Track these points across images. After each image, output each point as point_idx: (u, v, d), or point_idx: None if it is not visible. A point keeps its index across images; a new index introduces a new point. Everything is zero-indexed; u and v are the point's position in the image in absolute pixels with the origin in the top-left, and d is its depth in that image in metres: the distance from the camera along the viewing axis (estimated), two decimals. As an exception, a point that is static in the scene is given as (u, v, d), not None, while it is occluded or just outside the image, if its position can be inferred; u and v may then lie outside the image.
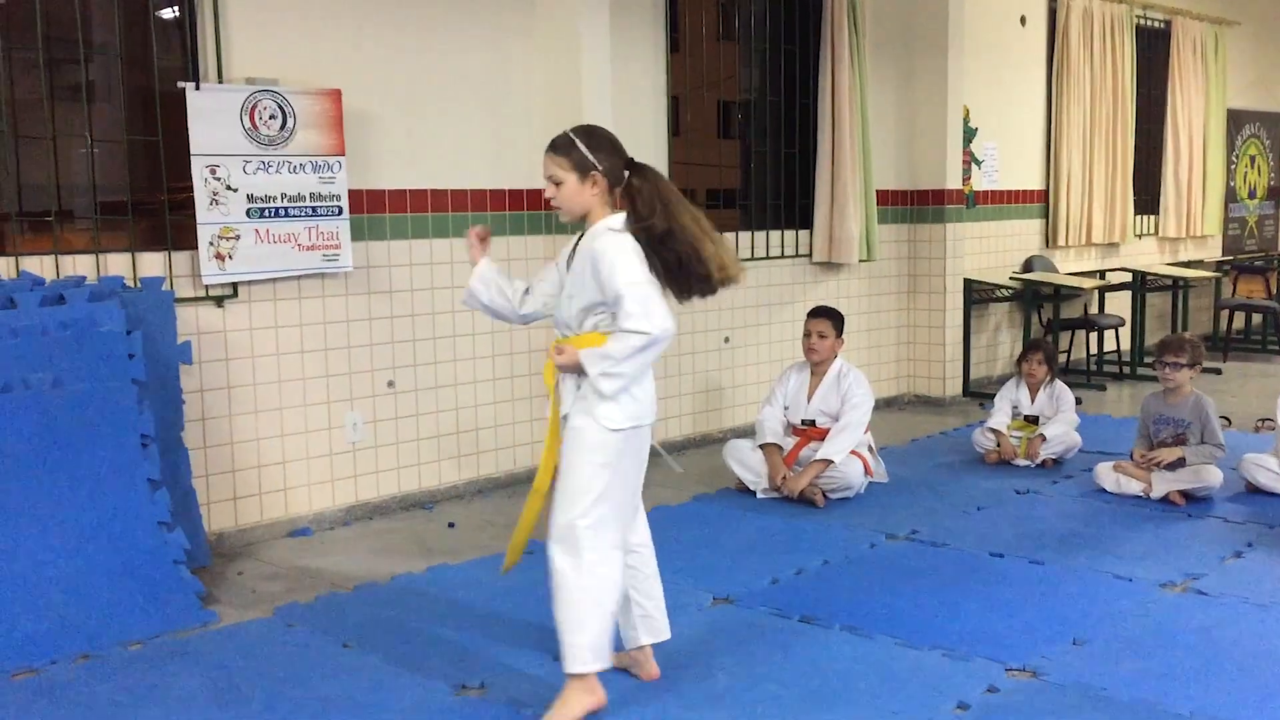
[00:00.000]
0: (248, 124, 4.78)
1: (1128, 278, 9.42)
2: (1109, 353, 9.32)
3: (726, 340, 6.96)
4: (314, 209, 5.01)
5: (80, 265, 4.48)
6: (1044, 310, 8.79)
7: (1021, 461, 6.10)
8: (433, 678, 3.52)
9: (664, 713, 3.28)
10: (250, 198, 4.81)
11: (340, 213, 5.09)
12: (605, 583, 3.19)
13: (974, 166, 8.35)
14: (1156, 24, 10.07)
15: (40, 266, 4.38)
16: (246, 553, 4.84)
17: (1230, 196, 11.29)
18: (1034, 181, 9.05)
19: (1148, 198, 10.25)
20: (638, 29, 6.29)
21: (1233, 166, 11.29)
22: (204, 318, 4.81)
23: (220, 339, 4.86)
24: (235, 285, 4.87)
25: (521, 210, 5.81)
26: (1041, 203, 9.12)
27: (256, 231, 4.84)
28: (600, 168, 3.22)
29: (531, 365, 5.82)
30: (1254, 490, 5.45)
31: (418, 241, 5.47)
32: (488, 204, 5.70)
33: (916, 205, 7.98)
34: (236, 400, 4.92)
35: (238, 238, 4.79)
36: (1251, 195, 11.70)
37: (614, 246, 3.16)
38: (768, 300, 7.17)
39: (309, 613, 4.12)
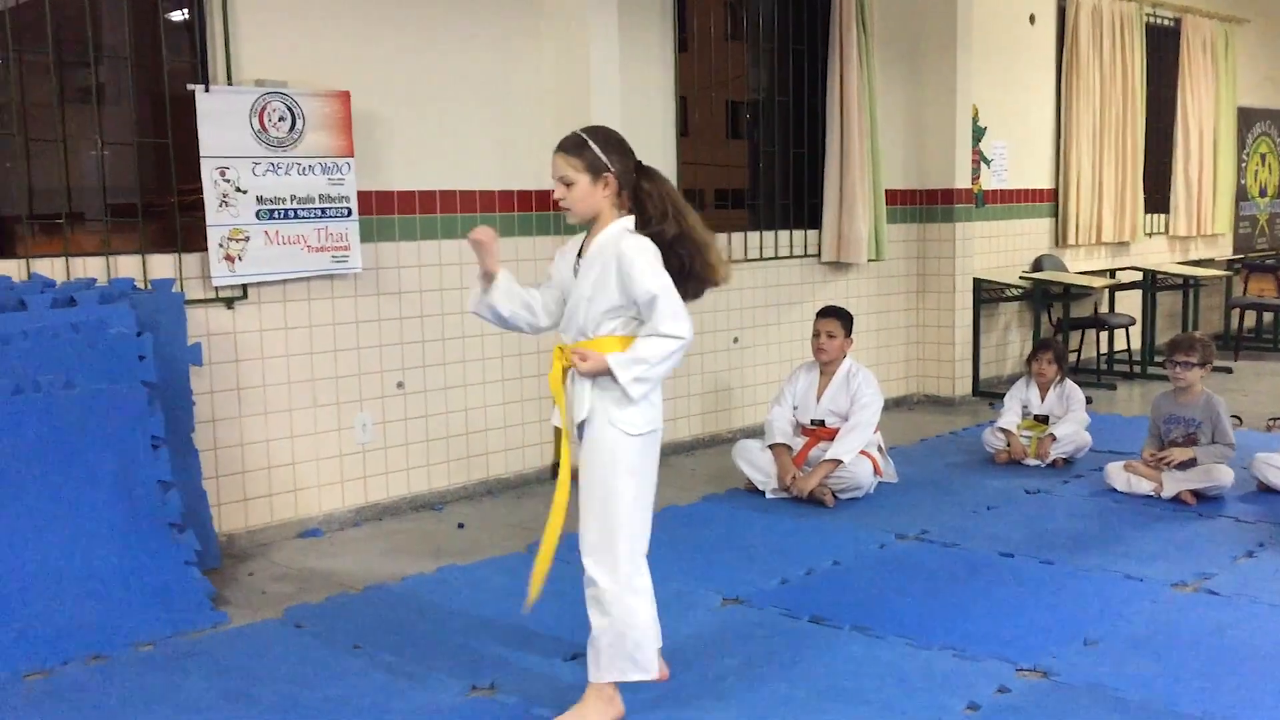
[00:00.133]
0: (257, 126, 4.79)
1: (1138, 277, 9.39)
2: (1119, 352, 9.29)
3: (735, 340, 6.96)
4: (323, 210, 5.02)
5: (91, 267, 4.50)
6: (1054, 309, 8.77)
7: (1032, 461, 6.09)
8: (443, 678, 3.53)
9: (673, 713, 3.28)
10: (260, 199, 4.82)
11: (349, 214, 5.10)
12: (642, 593, 3.17)
13: (983, 166, 8.34)
14: (1166, 22, 10.04)
15: (51, 269, 4.40)
16: (257, 554, 4.85)
17: (1241, 195, 11.25)
18: (1043, 180, 9.03)
19: (1158, 196, 10.22)
20: (646, 29, 6.30)
21: (1243, 164, 11.26)
22: (214, 319, 4.82)
23: (230, 340, 4.87)
24: (245, 287, 4.88)
25: (530, 211, 5.81)
26: (1051, 202, 9.10)
27: (266, 233, 4.85)
28: (613, 169, 3.18)
29: (540, 366, 5.82)
30: (1265, 490, 5.42)
31: (426, 243, 5.48)
32: (496, 205, 5.70)
33: (925, 205, 7.97)
34: (246, 401, 4.94)
35: (247, 239, 4.80)
36: (1262, 193, 11.66)
37: (639, 249, 3.12)
38: (777, 300, 7.16)
39: (319, 613, 4.13)
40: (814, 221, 7.38)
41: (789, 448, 5.58)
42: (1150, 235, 10.14)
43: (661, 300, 3.06)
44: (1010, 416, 6.26)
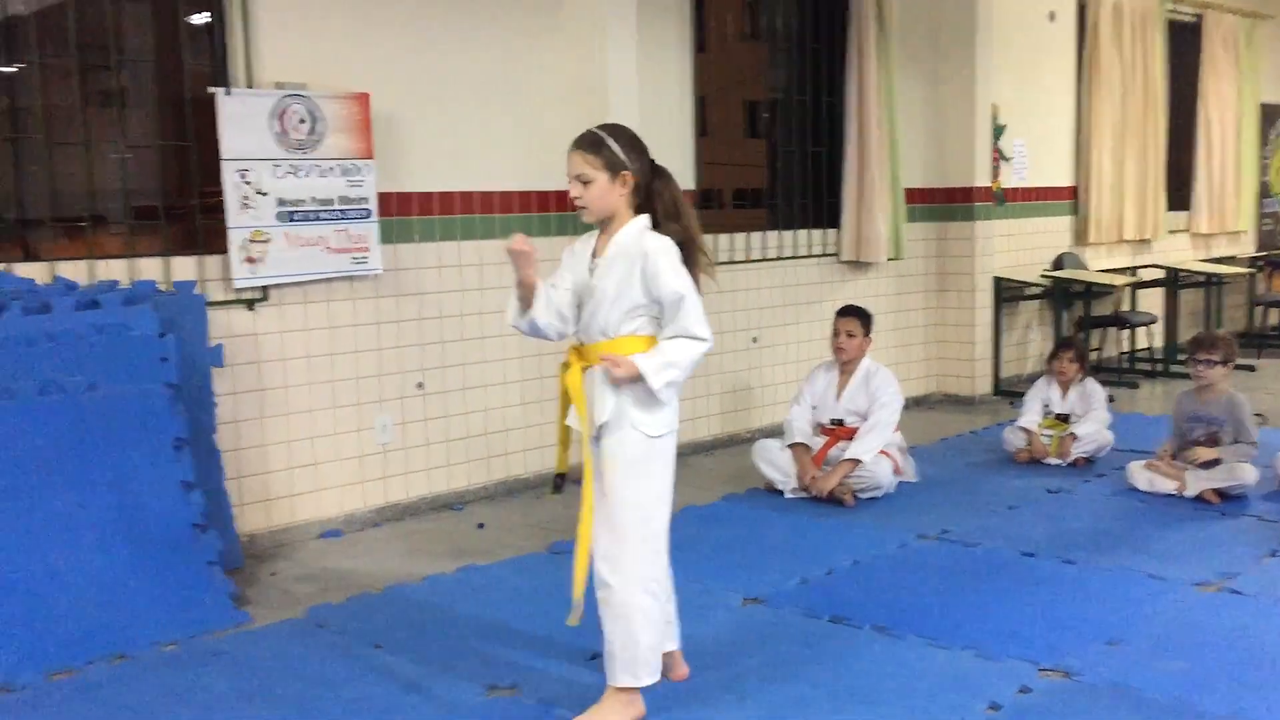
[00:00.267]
0: (277, 128, 4.81)
1: (1160, 274, 9.34)
2: (1141, 350, 9.23)
3: (754, 340, 6.95)
4: (343, 212, 5.04)
5: (114, 270, 4.53)
6: (1075, 308, 8.72)
7: (1053, 460, 6.06)
8: (463, 678, 3.54)
9: (693, 713, 3.28)
10: (280, 201, 4.84)
11: (369, 216, 5.12)
12: (657, 597, 3.17)
13: (1003, 164, 8.30)
14: (1187, 18, 9.98)
15: (74, 271, 4.43)
16: (278, 554, 4.88)
17: (1264, 191, 11.16)
18: (1064, 178, 8.98)
19: (1180, 193, 10.15)
20: (664, 29, 6.30)
21: (1266, 161, 11.17)
22: (235, 321, 4.85)
23: (251, 342, 4.89)
24: (266, 288, 4.91)
25: (550, 211, 5.82)
26: (1071, 199, 9.05)
27: (286, 235, 4.87)
28: (631, 167, 3.14)
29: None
30: (1289, 488, 5.39)
31: (446, 244, 5.49)
32: (515, 205, 5.71)
33: (945, 203, 7.94)
34: (268, 402, 4.96)
35: (268, 241, 4.82)
36: (1285, 190, 11.57)
37: (663, 248, 3.09)
38: (795, 300, 7.15)
39: (340, 613, 4.15)
40: (833, 220, 7.36)
41: (808, 447, 5.57)
42: (1172, 233, 10.07)
43: (689, 301, 3.06)
44: (1031, 415, 6.24)
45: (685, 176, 6.43)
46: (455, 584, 4.45)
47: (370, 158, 5.09)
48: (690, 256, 3.17)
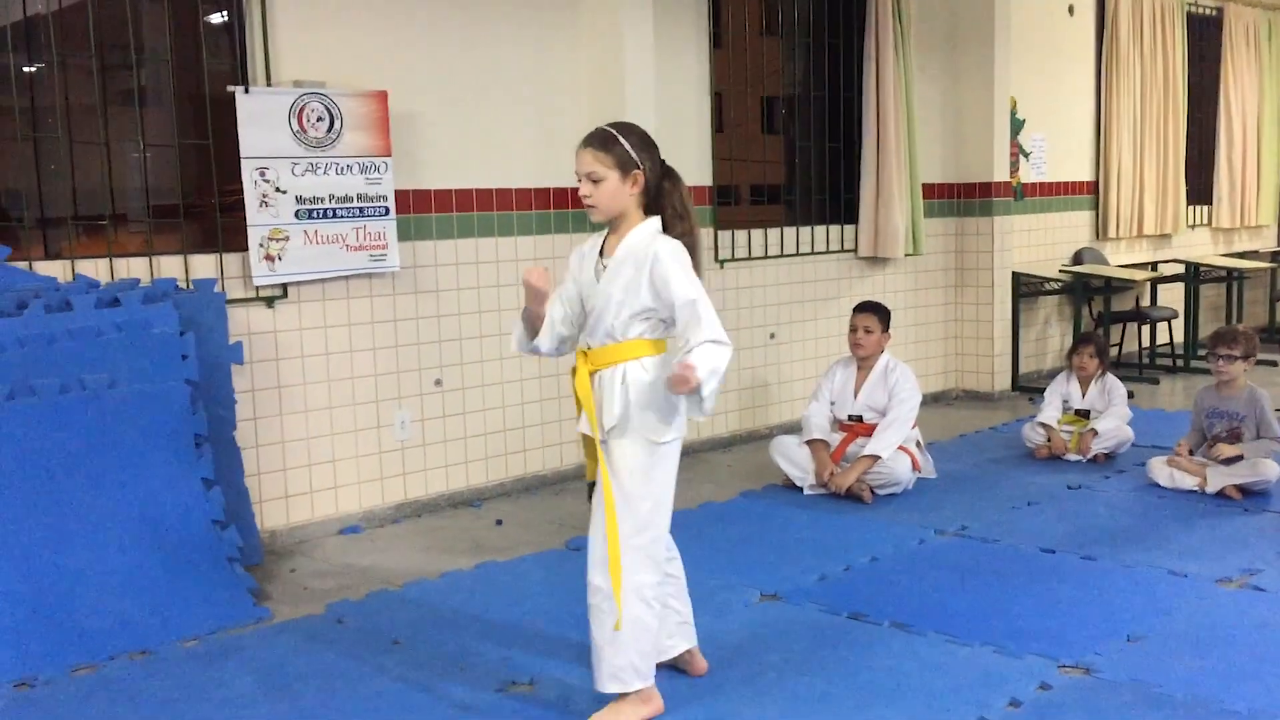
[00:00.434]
0: (296, 126, 4.83)
1: (1180, 269, 9.28)
2: (1161, 345, 9.18)
3: (772, 336, 6.94)
4: (361, 210, 5.05)
5: (134, 268, 4.56)
6: (1094, 303, 8.68)
7: (1073, 456, 6.03)
8: (481, 674, 3.55)
9: (711, 710, 3.28)
10: (299, 199, 4.86)
11: (387, 213, 5.13)
12: (651, 603, 3.14)
13: (1022, 158, 8.26)
14: (1208, 11, 9.91)
15: (95, 269, 4.46)
16: (298, 550, 4.90)
17: (1285, 185, 11.08)
18: (1083, 173, 8.94)
19: (1200, 188, 10.09)
20: (680, 25, 6.29)
21: (1288, 155, 11.08)
22: (255, 318, 4.87)
23: (271, 339, 4.92)
24: (285, 286, 4.93)
25: (567, 209, 5.82)
26: (1091, 194, 9.01)
27: (305, 233, 4.89)
28: (642, 166, 3.10)
29: (577, 363, 5.83)
30: (1312, 484, 5.35)
31: (463, 241, 5.50)
32: (532, 203, 5.72)
33: (963, 198, 7.91)
34: (287, 399, 4.98)
35: (287, 239, 4.84)
36: (1308, 184, 11.47)
37: (672, 251, 3.05)
38: (813, 296, 7.14)
39: (359, 610, 4.16)
40: (850, 216, 7.34)
41: (826, 443, 5.56)
42: (1192, 227, 10.01)
43: (702, 306, 2.98)
44: (1051, 411, 6.21)
45: (702, 173, 6.42)
46: (473, 580, 4.46)
47: (388, 155, 5.11)
48: (696, 257, 3.13)
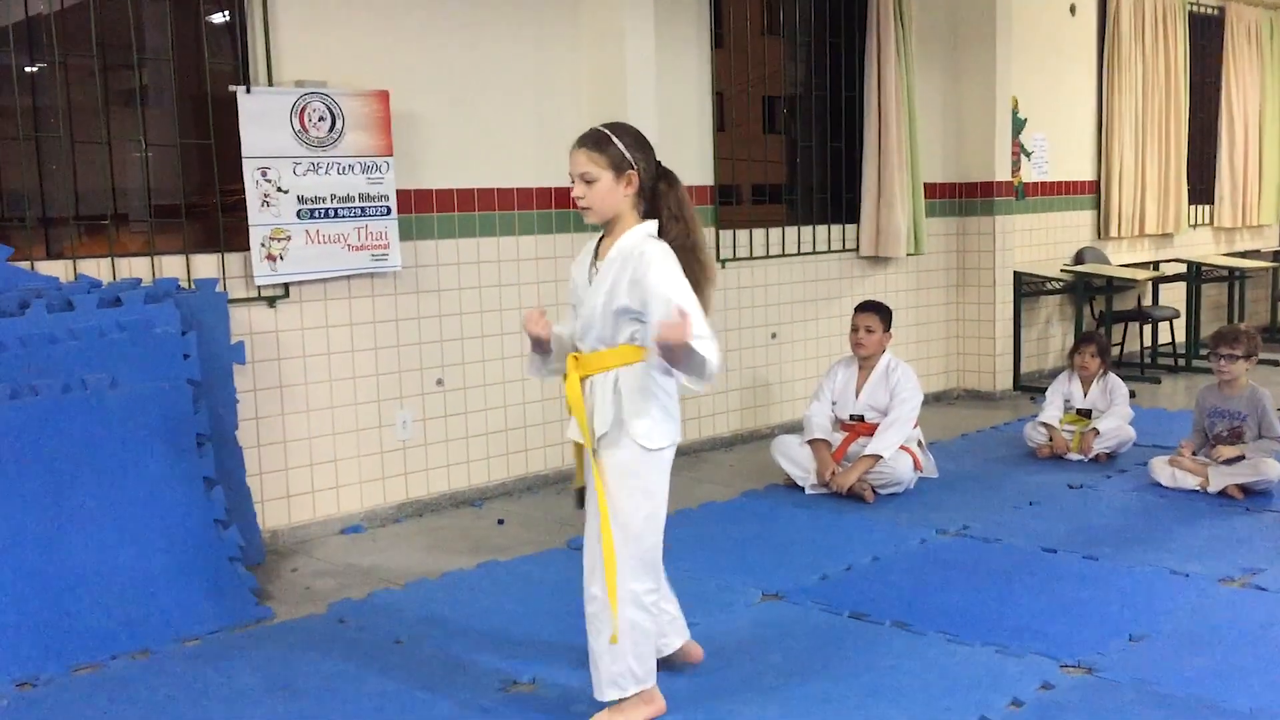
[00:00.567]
0: (297, 126, 4.83)
1: (1182, 269, 9.28)
2: (1163, 345, 9.18)
3: (773, 336, 6.94)
4: (363, 209, 5.05)
5: (136, 268, 4.56)
6: (1096, 302, 8.68)
7: (1074, 456, 6.03)
8: (483, 674, 3.55)
9: (712, 710, 3.28)
10: (300, 199, 4.86)
11: (388, 213, 5.13)
12: (648, 609, 3.12)
13: (1023, 158, 8.26)
14: (1209, 11, 9.90)
15: (97, 269, 4.46)
16: (300, 550, 4.90)
17: (1287, 184, 11.08)
18: (1085, 172, 8.94)
19: (1202, 187, 10.09)
20: (681, 25, 6.29)
21: (1290, 154, 11.08)
22: (256, 318, 4.87)
23: (272, 339, 4.92)
24: (287, 285, 4.93)
25: (568, 208, 5.82)
26: (1093, 194, 9.00)
27: (307, 232, 4.89)
28: (636, 167, 3.06)
29: (579, 362, 5.83)
30: (1314, 484, 5.35)
31: (465, 240, 5.50)
32: (533, 202, 5.72)
33: (965, 198, 7.91)
34: (289, 399, 4.98)
35: (288, 239, 4.84)
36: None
37: (660, 254, 3.00)
38: (814, 295, 7.14)
39: (361, 609, 4.16)
40: (852, 216, 7.34)
41: (828, 443, 5.56)
42: (1194, 227, 10.01)
43: (684, 305, 2.90)
44: (1052, 411, 6.21)
45: (703, 172, 6.42)
46: (475, 580, 4.46)
47: (390, 155, 5.11)
48: (691, 261, 3.07)
